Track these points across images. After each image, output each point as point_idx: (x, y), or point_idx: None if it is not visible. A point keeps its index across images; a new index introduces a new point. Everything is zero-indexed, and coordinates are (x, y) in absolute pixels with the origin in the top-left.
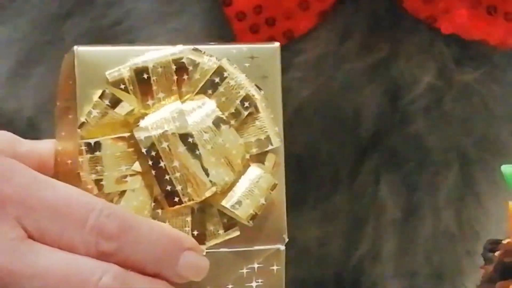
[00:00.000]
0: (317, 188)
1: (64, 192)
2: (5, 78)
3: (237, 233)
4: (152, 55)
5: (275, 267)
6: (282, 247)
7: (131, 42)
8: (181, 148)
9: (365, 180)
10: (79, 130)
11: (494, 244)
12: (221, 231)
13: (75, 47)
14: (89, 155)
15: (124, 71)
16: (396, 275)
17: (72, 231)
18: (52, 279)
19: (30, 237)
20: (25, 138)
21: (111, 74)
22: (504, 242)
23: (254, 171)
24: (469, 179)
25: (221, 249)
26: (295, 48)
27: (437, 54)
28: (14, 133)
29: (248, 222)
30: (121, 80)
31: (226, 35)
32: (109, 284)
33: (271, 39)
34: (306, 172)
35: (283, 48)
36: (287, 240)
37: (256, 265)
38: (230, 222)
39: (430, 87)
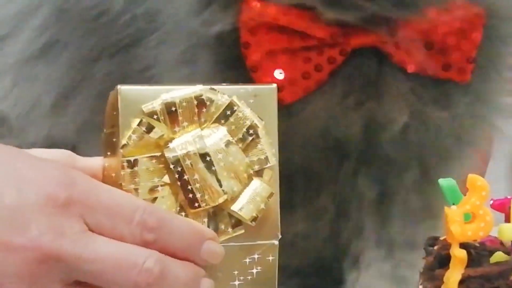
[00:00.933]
0: (304, 192)
1: (116, 195)
2: (49, 108)
3: (242, 231)
4: (179, 92)
5: (270, 258)
6: (276, 242)
7: (148, 80)
8: (201, 165)
9: (345, 176)
10: (121, 150)
11: (433, 240)
12: (230, 229)
13: (119, 86)
14: (129, 170)
15: (157, 105)
16: (377, 246)
17: (122, 225)
18: (108, 262)
19: (91, 230)
20: None
21: (146, 107)
22: (441, 238)
23: (256, 183)
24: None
25: (230, 243)
26: (307, 99)
27: (409, 93)
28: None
29: (251, 222)
30: (154, 112)
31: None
32: (152, 266)
33: (292, 92)
34: (296, 181)
35: (299, 100)
36: (280, 237)
37: (256, 256)
38: (237, 222)
39: (403, 124)
